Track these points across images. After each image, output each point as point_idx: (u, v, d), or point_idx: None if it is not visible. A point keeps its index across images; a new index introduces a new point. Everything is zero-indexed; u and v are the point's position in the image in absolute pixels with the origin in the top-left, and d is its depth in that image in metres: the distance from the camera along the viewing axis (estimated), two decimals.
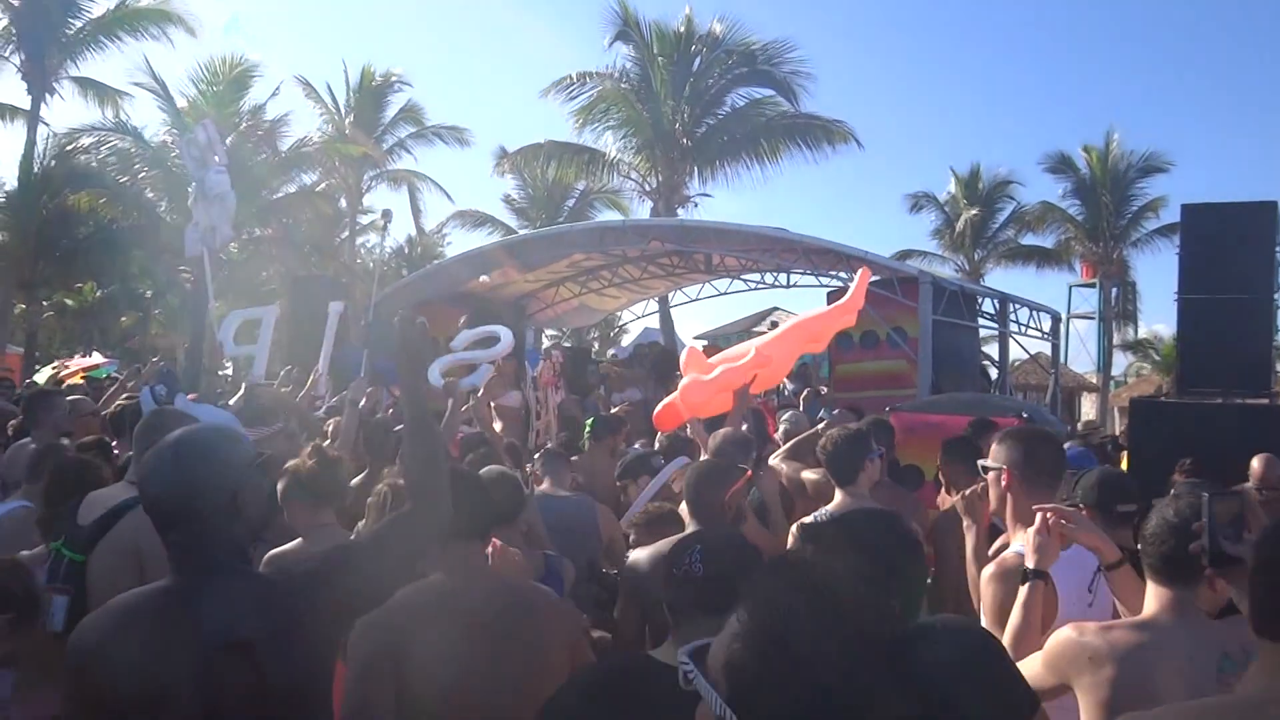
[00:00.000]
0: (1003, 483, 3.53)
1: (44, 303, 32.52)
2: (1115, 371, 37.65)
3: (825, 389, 12.56)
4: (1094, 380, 35.10)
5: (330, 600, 2.40)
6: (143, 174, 25.95)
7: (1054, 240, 35.85)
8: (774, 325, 17.53)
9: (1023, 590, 2.98)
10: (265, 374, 9.45)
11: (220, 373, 10.70)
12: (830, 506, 4.77)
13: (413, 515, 2.62)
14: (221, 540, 2.39)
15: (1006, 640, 2.88)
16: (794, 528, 4.44)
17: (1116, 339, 35.78)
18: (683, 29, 24.80)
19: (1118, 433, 15.22)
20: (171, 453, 2.44)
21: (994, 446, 3.76)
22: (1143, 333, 37.89)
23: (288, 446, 5.84)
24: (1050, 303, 15.72)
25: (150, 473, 2.45)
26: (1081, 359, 35.59)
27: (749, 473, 4.50)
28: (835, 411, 7.94)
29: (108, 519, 3.78)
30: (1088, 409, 35.14)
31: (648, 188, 25.57)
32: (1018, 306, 14.72)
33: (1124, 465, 9.10)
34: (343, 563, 2.50)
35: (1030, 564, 2.99)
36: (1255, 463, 6.26)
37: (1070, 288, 35.51)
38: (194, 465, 2.41)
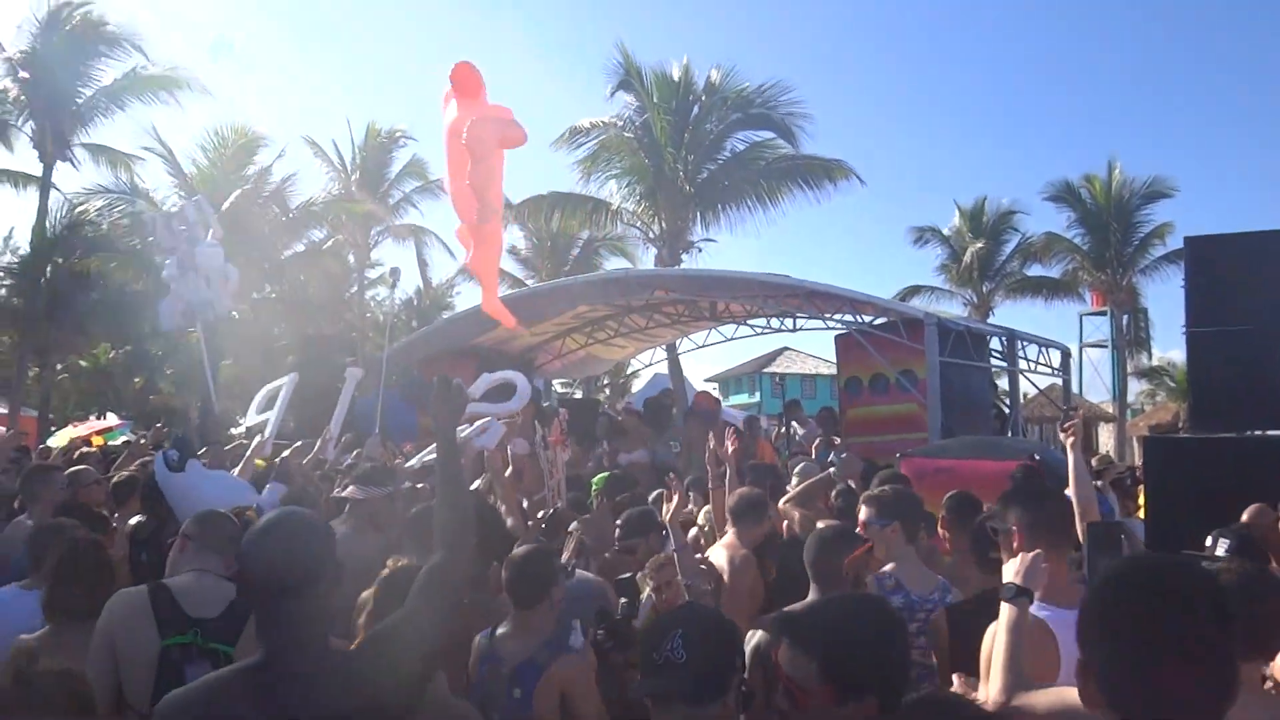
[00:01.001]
0: (1014, 544, 3.50)
1: (58, 366, 32.67)
2: (1131, 398, 37.49)
3: (838, 438, 12.45)
4: (1110, 410, 34.92)
5: (405, 663, 2.46)
6: (152, 237, 26.19)
7: (1061, 270, 35.86)
8: (781, 379, 17.47)
9: (1009, 609, 2.93)
10: (276, 434, 9.48)
11: (232, 429, 10.72)
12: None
13: (445, 565, 2.67)
14: (317, 615, 2.45)
15: (997, 661, 2.85)
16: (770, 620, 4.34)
17: (1130, 367, 35.65)
18: (679, 77, 24.94)
19: (1137, 463, 15.03)
20: (281, 531, 2.50)
21: (1001, 507, 3.72)
22: (1156, 359, 37.74)
23: (388, 508, 5.86)
24: (1062, 332, 15.71)
25: (259, 550, 2.48)
26: (1096, 388, 35.50)
27: (869, 542, 4.41)
28: (844, 455, 7.82)
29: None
30: (1105, 439, 34.95)
31: (652, 234, 25.60)
32: (1026, 343, 14.63)
33: (1141, 500, 8.99)
34: (404, 624, 2.54)
35: (1018, 580, 2.99)
36: (1245, 515, 5.91)
37: (1081, 317, 35.51)
38: (306, 542, 2.48)
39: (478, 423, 8.36)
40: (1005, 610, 2.95)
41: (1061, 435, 4.81)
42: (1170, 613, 1.70)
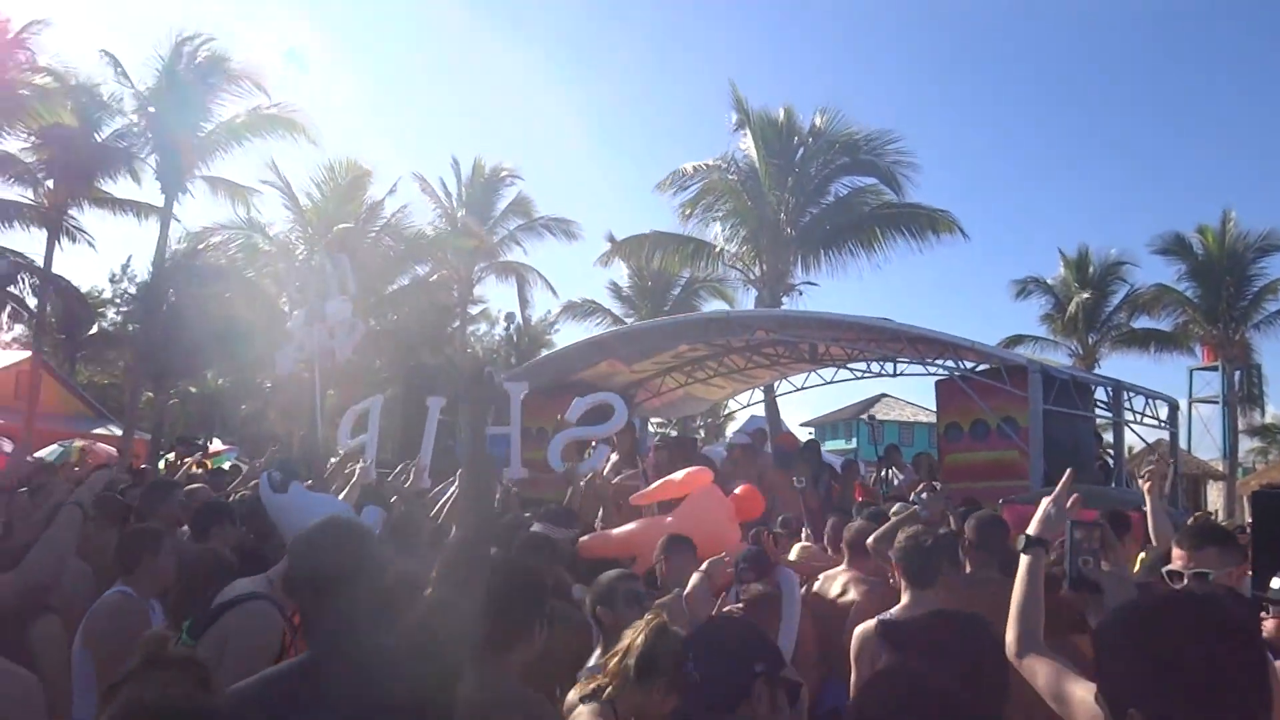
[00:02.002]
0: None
1: (170, 391, 33.78)
2: (1242, 456, 36.38)
3: (939, 483, 12.34)
4: (1220, 467, 33.92)
5: (445, 651, 2.60)
6: (266, 268, 27.11)
7: (1171, 323, 34.99)
8: (871, 418, 17.33)
9: (1024, 560, 2.95)
10: (376, 461, 9.73)
11: (331, 460, 11.01)
12: (895, 609, 4.67)
13: (464, 546, 2.91)
14: (361, 612, 2.61)
15: (1012, 613, 2.84)
16: (871, 624, 4.41)
17: (1242, 424, 34.60)
18: (783, 120, 25.12)
19: (1247, 522, 14.60)
20: (322, 534, 2.75)
21: (1206, 551, 3.66)
22: (1270, 417, 36.61)
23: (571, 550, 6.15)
24: (1170, 387, 15.35)
25: (302, 550, 2.76)
26: (1206, 445, 34.52)
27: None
28: (924, 494, 7.68)
29: (217, 611, 4.01)
30: (1214, 497, 33.99)
31: (752, 276, 25.70)
32: (1132, 394, 14.35)
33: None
34: (436, 613, 2.71)
35: (1032, 531, 2.99)
36: None
37: (1190, 371, 34.64)
38: (342, 544, 2.71)
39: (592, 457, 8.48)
40: (1021, 561, 2.95)
41: (1140, 482, 4.94)
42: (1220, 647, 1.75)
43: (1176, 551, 3.55)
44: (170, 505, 6.63)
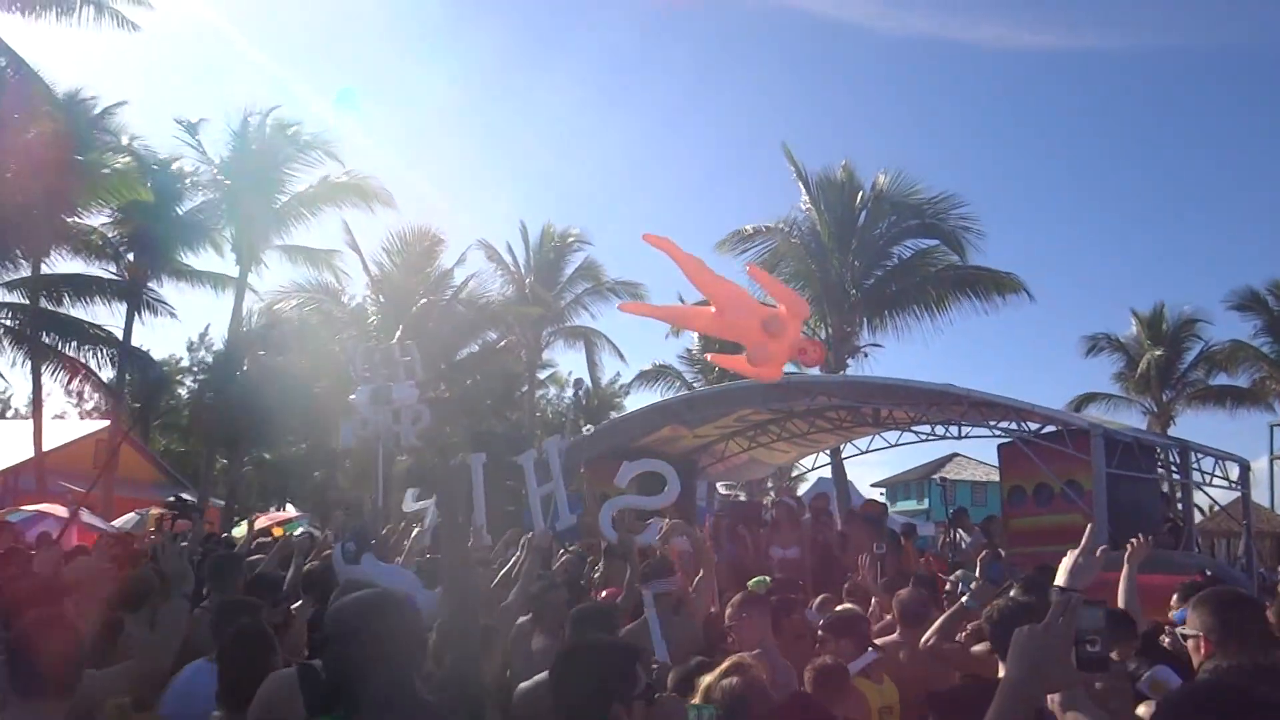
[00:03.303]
0: (1201, 650, 3.50)
1: (244, 458, 34.45)
2: None
3: (1003, 550, 12.25)
4: None
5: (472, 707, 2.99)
6: (339, 335, 27.73)
7: (1248, 379, 34.34)
8: (944, 482, 17.27)
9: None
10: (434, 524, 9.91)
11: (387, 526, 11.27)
12: None
13: (455, 620, 3.26)
14: (398, 677, 2.88)
15: None
16: None
17: None
18: (844, 179, 25.31)
19: None
20: (356, 602, 3.03)
21: (1190, 612, 3.70)
22: None
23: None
24: (1249, 443, 15.01)
25: (334, 616, 3.07)
26: None
27: None
28: (974, 585, 7.30)
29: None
30: None
31: (817, 338, 25.77)
32: (1201, 455, 14.18)
33: None
34: (455, 675, 3.11)
35: (1060, 581, 2.99)
36: None
37: (1271, 427, 33.82)
38: (368, 611, 2.98)
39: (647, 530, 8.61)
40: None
41: (1129, 546, 5.02)
42: None
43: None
44: (237, 577, 6.65)
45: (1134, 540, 5.28)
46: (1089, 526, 3.27)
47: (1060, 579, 3.02)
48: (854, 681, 5.15)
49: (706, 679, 3.73)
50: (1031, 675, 2.13)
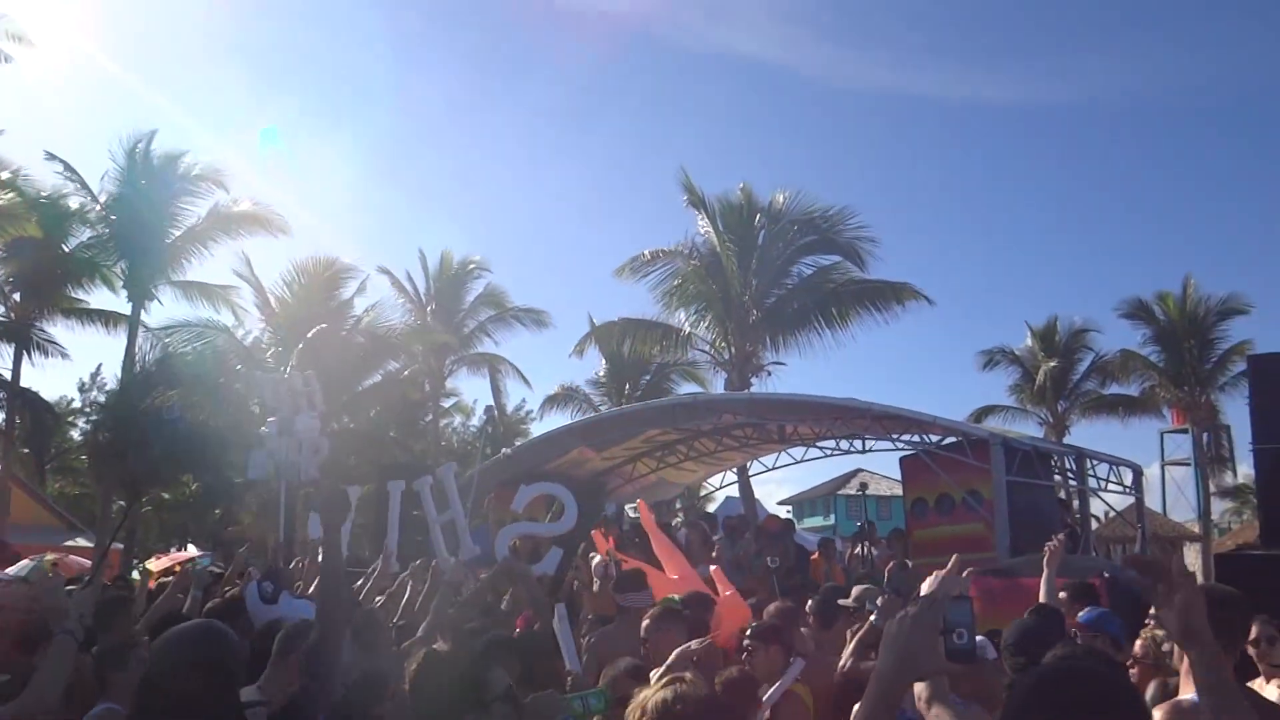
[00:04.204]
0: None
1: (143, 499, 33.45)
2: (1216, 517, 36.56)
3: (910, 560, 12.39)
4: (1195, 529, 34.06)
5: None
6: (237, 367, 27.11)
7: (1138, 388, 35.37)
8: (863, 486, 17.41)
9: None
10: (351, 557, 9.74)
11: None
12: None
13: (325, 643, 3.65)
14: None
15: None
16: None
17: (1214, 485, 34.77)
18: (743, 201, 25.52)
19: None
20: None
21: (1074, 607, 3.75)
22: (1241, 477, 36.76)
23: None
24: (1141, 450, 15.46)
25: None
26: (1181, 507, 34.72)
27: None
28: (879, 600, 7.28)
29: None
30: (1191, 559, 34.01)
31: (722, 359, 25.89)
32: (1096, 462, 14.52)
33: None
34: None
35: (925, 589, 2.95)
36: None
37: (1161, 434, 34.90)
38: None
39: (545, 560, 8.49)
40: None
41: (1046, 548, 5.22)
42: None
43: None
44: (125, 619, 6.50)
45: (1050, 544, 5.56)
46: (954, 557, 3.21)
47: (925, 586, 3.03)
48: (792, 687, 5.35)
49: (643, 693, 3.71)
50: (899, 664, 2.20)
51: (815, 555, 14.14)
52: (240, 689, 3.30)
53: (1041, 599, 5.43)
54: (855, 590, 8.03)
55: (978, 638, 4.62)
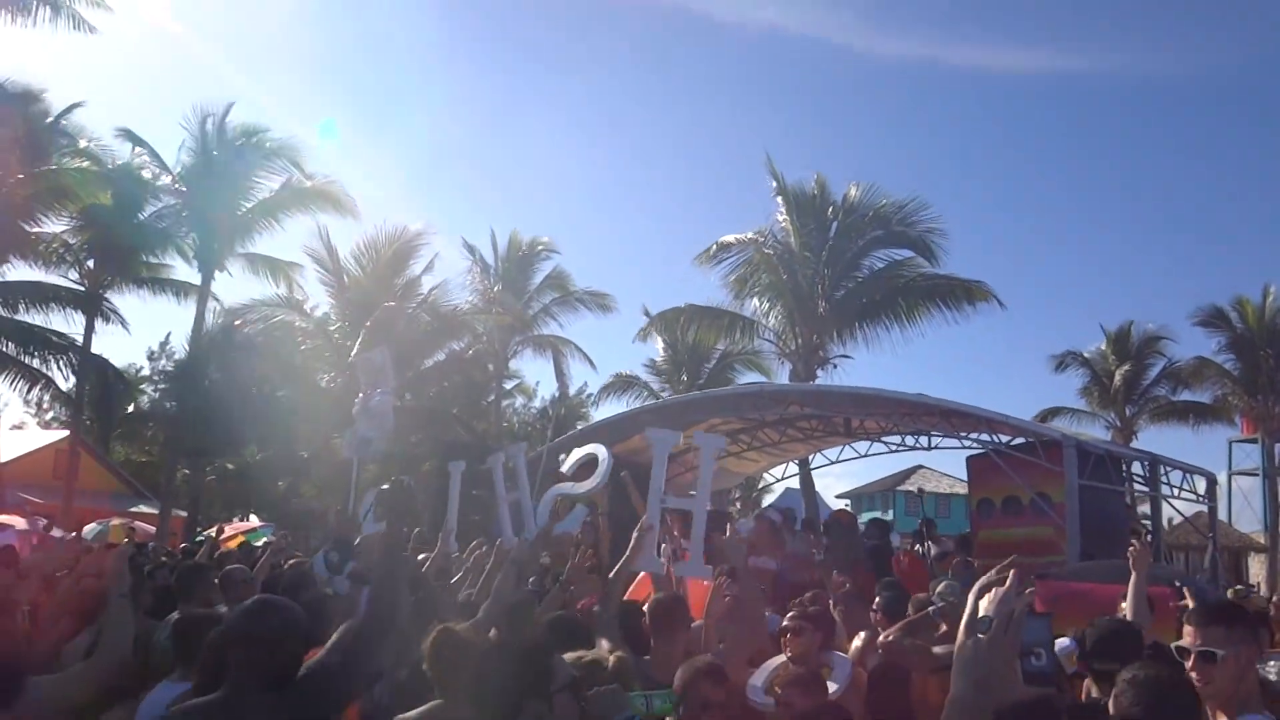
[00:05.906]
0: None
1: (207, 468, 33.96)
2: None
3: (975, 561, 12.18)
4: (1261, 540, 33.34)
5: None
6: (304, 344, 27.39)
7: (1211, 396, 34.66)
8: (920, 491, 17.22)
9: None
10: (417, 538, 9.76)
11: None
12: None
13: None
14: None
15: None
16: None
17: None
18: (816, 192, 25.33)
19: None
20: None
21: (1212, 630, 3.53)
22: None
23: None
24: (1210, 459, 15.15)
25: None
26: (1247, 517, 34.01)
27: None
28: (941, 604, 7.19)
29: None
30: (1257, 570, 33.40)
31: (788, 350, 25.74)
32: (1170, 469, 14.21)
33: None
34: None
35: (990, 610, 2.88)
36: None
37: (1230, 443, 34.22)
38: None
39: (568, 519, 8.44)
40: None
41: (1130, 553, 5.01)
42: None
43: (1186, 628, 3.49)
44: (205, 587, 6.48)
45: (1134, 544, 5.35)
46: (1011, 572, 3.06)
47: (986, 608, 2.92)
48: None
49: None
50: (976, 691, 2.08)
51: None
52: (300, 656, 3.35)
53: (1129, 604, 5.18)
54: (938, 587, 7.92)
55: (1063, 641, 4.54)
